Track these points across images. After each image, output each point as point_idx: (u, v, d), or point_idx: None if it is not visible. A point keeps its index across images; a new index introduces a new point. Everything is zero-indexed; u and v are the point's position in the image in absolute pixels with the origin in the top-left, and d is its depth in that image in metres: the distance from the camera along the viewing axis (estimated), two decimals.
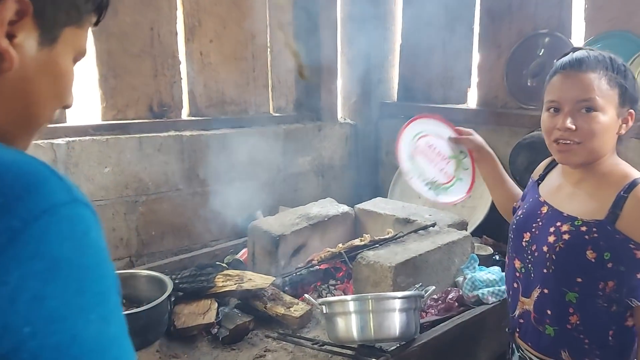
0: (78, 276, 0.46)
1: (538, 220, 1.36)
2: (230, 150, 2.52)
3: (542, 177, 1.45)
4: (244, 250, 2.33)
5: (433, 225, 2.09)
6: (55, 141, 2.03)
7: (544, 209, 1.36)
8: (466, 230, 2.21)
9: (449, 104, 2.85)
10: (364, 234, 2.10)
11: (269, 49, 2.76)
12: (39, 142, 1.98)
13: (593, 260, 1.22)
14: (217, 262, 2.22)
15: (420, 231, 2.06)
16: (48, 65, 0.58)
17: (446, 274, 1.97)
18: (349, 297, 1.58)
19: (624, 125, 1.27)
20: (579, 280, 1.25)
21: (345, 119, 3.06)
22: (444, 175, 1.73)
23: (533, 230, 1.36)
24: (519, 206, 1.46)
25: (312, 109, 2.92)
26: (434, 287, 1.66)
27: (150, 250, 2.32)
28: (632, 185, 1.21)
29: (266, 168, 2.70)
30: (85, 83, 2.20)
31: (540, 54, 2.53)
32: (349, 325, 1.53)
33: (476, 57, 2.76)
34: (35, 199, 0.46)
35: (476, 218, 2.51)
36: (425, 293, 1.62)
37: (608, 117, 1.23)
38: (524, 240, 1.38)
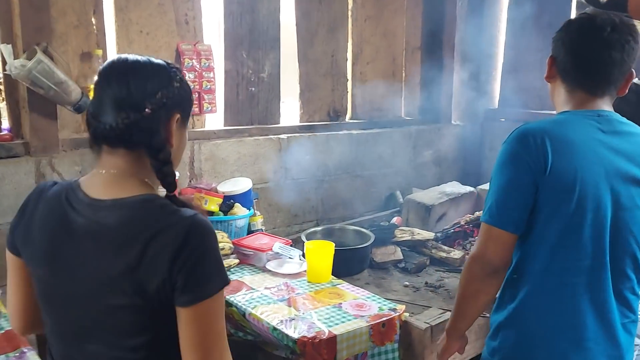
0: None
1: None
2: (379, 144, 3.38)
3: None
4: (396, 217, 3.17)
5: None
6: (280, 136, 2.94)
7: None
8: None
9: (545, 110, 3.63)
10: None
11: (403, 68, 3.62)
12: (272, 136, 2.89)
13: None
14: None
15: None
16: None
17: None
18: None
19: None
20: None
21: (457, 122, 3.87)
22: None
23: None
24: None
25: (433, 113, 3.75)
26: None
27: (328, 216, 3.21)
28: None
29: (401, 158, 3.54)
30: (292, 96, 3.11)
31: None
32: None
33: None
34: None
35: None
36: None
37: None
38: None
